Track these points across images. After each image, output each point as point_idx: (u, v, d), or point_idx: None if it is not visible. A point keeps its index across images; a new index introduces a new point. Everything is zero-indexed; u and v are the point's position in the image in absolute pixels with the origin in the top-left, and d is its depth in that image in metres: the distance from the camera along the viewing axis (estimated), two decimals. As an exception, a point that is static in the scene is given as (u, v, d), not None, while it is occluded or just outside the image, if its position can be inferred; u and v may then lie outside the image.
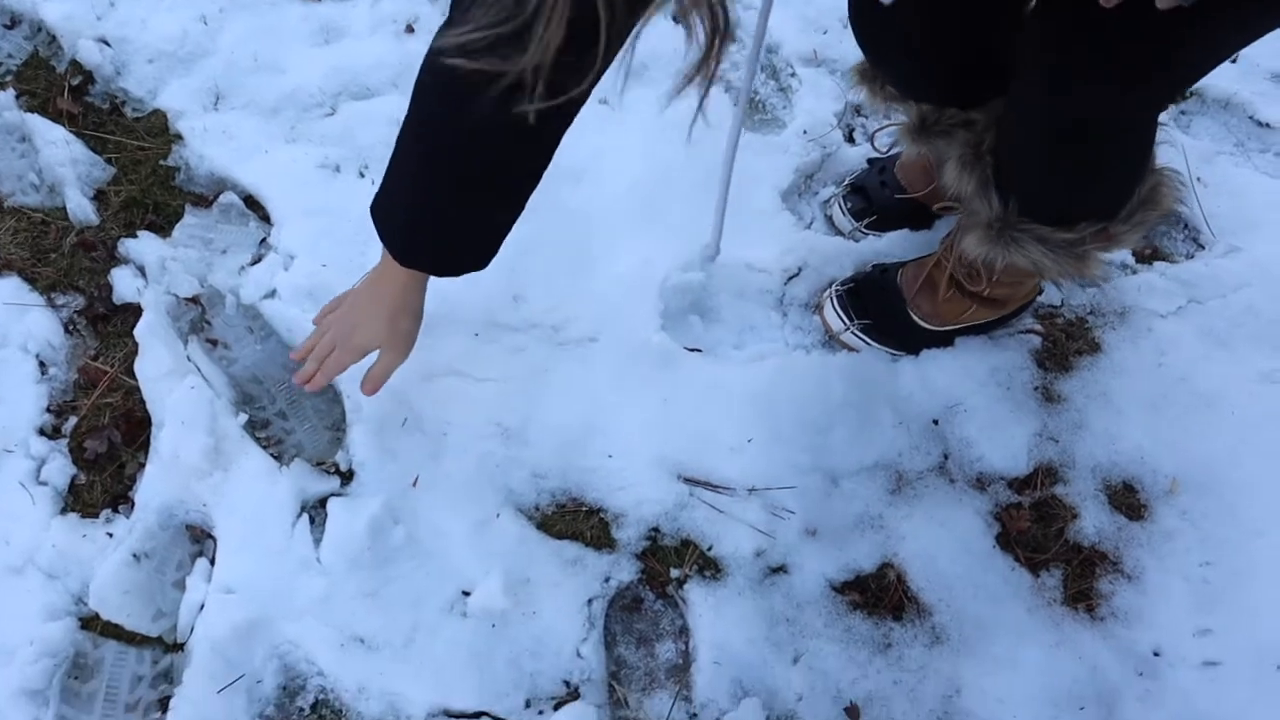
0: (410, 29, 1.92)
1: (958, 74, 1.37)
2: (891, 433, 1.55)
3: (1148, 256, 1.80)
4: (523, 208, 1.19)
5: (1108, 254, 1.42)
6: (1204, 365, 1.65)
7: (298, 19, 1.92)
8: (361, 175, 1.71)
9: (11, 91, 1.81)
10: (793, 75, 1.90)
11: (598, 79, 0.94)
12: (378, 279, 1.32)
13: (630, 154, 1.74)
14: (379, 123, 1.76)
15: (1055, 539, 1.50)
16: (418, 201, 1.18)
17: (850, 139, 1.85)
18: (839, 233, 1.75)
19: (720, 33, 0.89)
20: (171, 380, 1.45)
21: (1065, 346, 1.67)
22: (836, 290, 1.61)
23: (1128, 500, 1.54)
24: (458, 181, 1.13)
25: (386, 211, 1.22)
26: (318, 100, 1.81)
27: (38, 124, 1.76)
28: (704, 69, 0.92)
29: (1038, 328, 1.67)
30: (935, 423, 1.57)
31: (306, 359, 1.37)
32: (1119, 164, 1.28)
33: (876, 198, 1.73)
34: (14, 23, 1.93)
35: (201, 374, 1.48)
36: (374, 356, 1.36)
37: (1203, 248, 1.83)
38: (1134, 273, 1.77)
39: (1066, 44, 1.10)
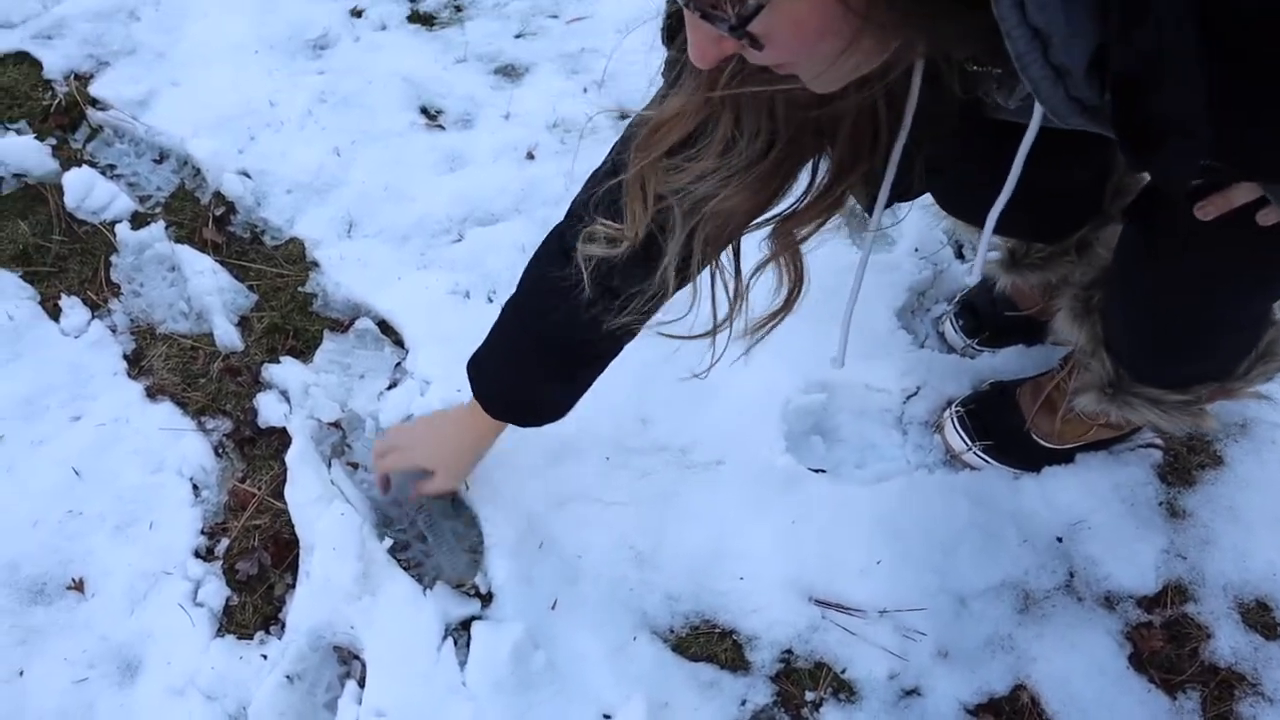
0: (531, 155, 2.01)
1: (1034, 221, 1.42)
2: (1017, 551, 1.56)
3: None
4: (602, 371, 1.34)
5: (1230, 403, 1.45)
6: (1331, 478, 1.64)
7: (424, 148, 2.02)
8: (490, 300, 1.79)
9: (161, 223, 1.93)
10: (900, 192, 1.95)
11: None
12: (462, 419, 1.46)
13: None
14: (504, 248, 1.84)
15: (1190, 659, 1.49)
16: (516, 368, 1.34)
17: (960, 255, 1.89)
18: (952, 349, 1.78)
19: (799, 285, 1.04)
20: (319, 506, 1.52)
21: (1187, 460, 1.67)
22: (956, 411, 1.64)
23: (1263, 619, 1.53)
24: (556, 356, 1.29)
25: (483, 371, 1.38)
26: (445, 227, 1.90)
27: (186, 254, 1.87)
28: (778, 316, 1.08)
29: (1158, 441, 1.67)
30: (1060, 540, 1.58)
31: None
32: (1233, 342, 1.31)
33: (987, 315, 1.76)
34: (162, 158, 2.07)
35: (345, 497, 1.55)
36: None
37: (1321, 355, 1.82)
38: (1253, 383, 1.77)
39: (1172, 253, 1.14)
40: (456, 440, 1.48)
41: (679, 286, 1.10)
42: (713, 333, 1.10)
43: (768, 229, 1.01)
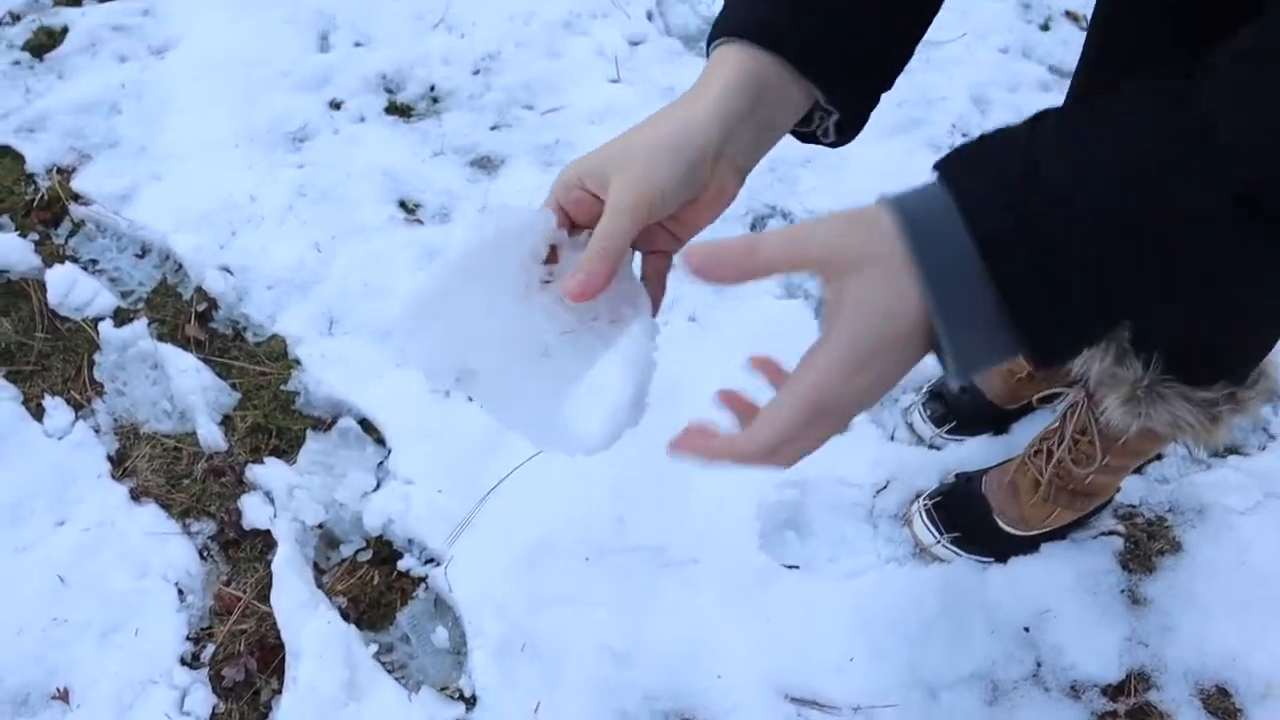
0: (507, 250, 2.06)
1: None
2: (985, 641, 1.61)
3: (1222, 450, 1.86)
4: (911, 51, 0.84)
5: (1234, 419, 1.46)
6: (1287, 562, 1.70)
7: (403, 243, 2.07)
8: (470, 399, 1.83)
9: (144, 320, 1.96)
10: (867, 283, 2.02)
11: None
12: (681, 99, 0.75)
13: (719, 372, 1.85)
14: (483, 345, 1.89)
15: (1154, 748, 1.54)
16: None
17: (926, 345, 1.94)
18: (920, 439, 1.83)
19: None
20: (306, 611, 1.55)
21: (1147, 547, 1.73)
22: (924, 504, 1.69)
23: (1223, 704, 1.58)
24: None
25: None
26: (425, 323, 1.94)
27: (169, 352, 1.90)
28: None
29: (1119, 528, 1.73)
30: (1026, 630, 1.63)
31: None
32: (1261, 332, 1.33)
33: (955, 404, 1.82)
34: (144, 252, 2.10)
35: (331, 602, 1.58)
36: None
37: (1274, 438, 1.90)
38: (1209, 468, 1.83)
39: None
40: (671, 127, 0.73)
41: None
42: None
43: None
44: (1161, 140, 0.57)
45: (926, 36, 0.84)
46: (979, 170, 0.61)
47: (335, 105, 2.34)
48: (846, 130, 0.82)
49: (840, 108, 0.78)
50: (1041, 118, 0.62)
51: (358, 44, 2.48)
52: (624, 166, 0.71)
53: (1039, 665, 1.60)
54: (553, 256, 0.76)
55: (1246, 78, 0.57)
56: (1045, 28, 2.63)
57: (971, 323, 0.61)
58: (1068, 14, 2.67)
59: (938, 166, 0.63)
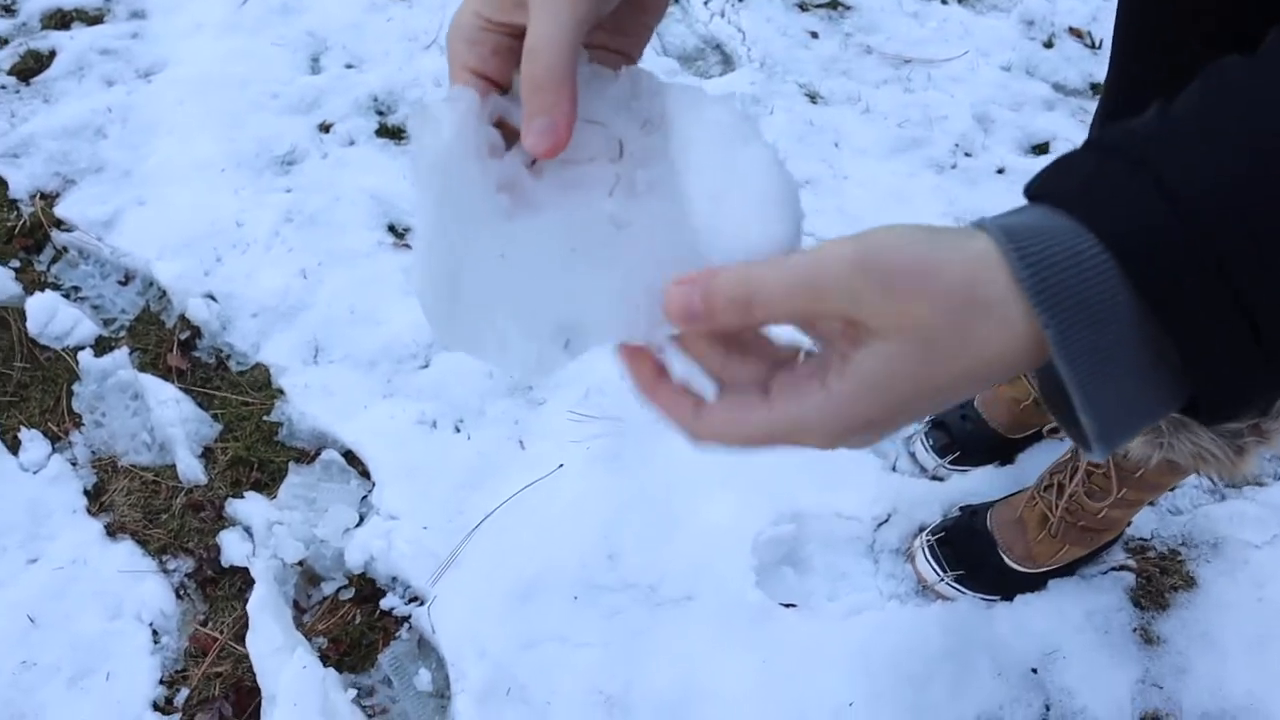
0: (497, 276, 2.01)
1: None
2: (991, 683, 1.54)
3: (1250, 480, 1.80)
4: None
5: (1260, 450, 1.39)
6: (1305, 598, 1.64)
7: (391, 269, 2.02)
8: (457, 430, 1.77)
9: (125, 349, 1.91)
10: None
11: None
12: None
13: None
14: (471, 375, 1.83)
15: (1169, 797, 1.47)
16: None
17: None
18: (923, 469, 1.77)
19: None
20: (282, 655, 1.49)
21: (1160, 583, 1.66)
22: (927, 540, 1.62)
23: (1241, 750, 1.51)
24: None
25: None
26: (412, 351, 1.89)
27: (150, 383, 1.85)
28: None
29: (1130, 564, 1.66)
30: (1034, 671, 1.56)
31: None
32: None
33: (959, 433, 1.75)
34: (127, 279, 2.06)
35: (310, 647, 1.52)
36: None
37: (1290, 467, 1.83)
38: (1223, 499, 1.77)
39: None
40: None
41: None
42: None
43: None
44: None
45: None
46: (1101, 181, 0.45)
47: (325, 128, 2.30)
48: None
49: None
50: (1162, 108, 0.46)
51: (349, 65, 2.43)
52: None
53: (1047, 709, 1.53)
54: (510, 133, 0.54)
55: None
56: (1049, 45, 2.57)
57: (1112, 375, 0.45)
58: (1071, 30, 2.62)
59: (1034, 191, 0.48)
